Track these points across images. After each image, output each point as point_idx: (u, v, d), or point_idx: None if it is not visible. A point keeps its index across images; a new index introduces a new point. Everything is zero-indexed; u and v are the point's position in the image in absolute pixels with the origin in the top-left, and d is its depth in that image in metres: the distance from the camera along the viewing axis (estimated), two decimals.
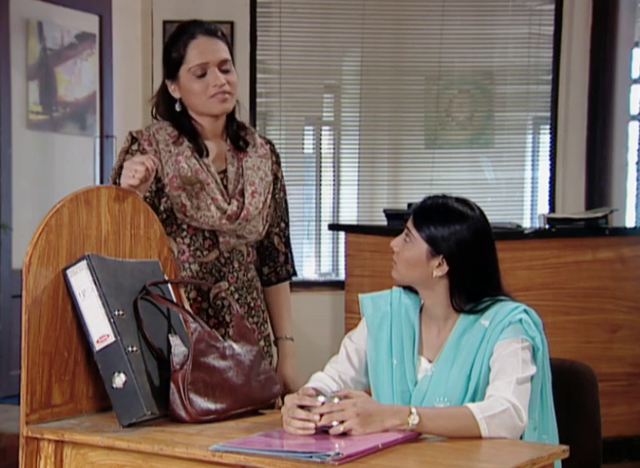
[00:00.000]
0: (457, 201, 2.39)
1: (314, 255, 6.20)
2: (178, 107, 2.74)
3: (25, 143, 5.39)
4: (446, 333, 2.37)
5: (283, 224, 2.92)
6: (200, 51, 2.68)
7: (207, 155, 2.73)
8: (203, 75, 2.68)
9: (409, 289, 2.47)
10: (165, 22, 5.87)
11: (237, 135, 2.80)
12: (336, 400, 2.09)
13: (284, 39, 6.03)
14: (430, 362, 2.38)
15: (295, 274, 2.97)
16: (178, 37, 2.73)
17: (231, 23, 5.87)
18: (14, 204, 5.31)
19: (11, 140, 5.30)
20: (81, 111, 5.76)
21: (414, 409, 2.09)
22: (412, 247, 2.36)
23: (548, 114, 6.24)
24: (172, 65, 2.73)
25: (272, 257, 2.91)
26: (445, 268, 2.34)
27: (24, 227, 5.07)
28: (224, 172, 2.76)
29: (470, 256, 2.34)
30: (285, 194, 2.93)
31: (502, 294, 2.38)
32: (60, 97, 5.64)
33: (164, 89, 2.77)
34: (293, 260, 2.97)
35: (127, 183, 2.42)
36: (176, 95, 2.74)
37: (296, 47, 6.06)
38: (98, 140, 5.82)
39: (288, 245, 2.95)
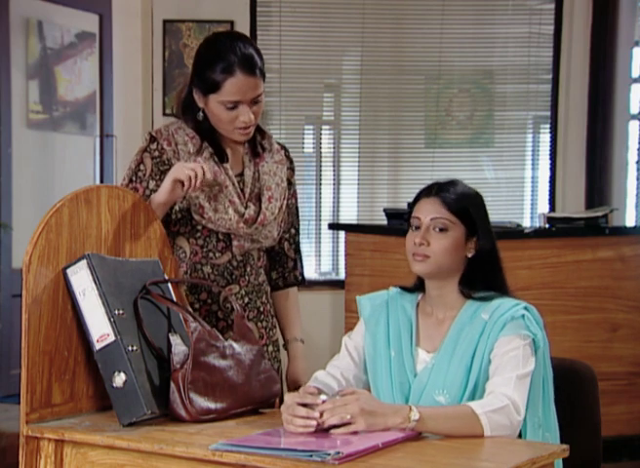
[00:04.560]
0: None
1: (314, 255, 6.20)
2: (200, 117, 2.68)
3: (25, 143, 5.39)
4: (446, 326, 2.38)
5: (293, 230, 2.91)
6: (236, 90, 2.61)
7: (227, 160, 2.71)
8: (234, 108, 2.63)
9: (406, 289, 2.49)
10: (165, 22, 5.88)
11: (255, 139, 2.78)
12: (338, 397, 2.10)
13: (284, 38, 6.03)
14: (429, 353, 2.39)
15: (303, 281, 2.94)
16: (216, 59, 2.62)
17: (231, 23, 5.88)
18: (14, 203, 5.31)
19: (11, 140, 5.29)
20: (81, 110, 5.75)
21: (414, 408, 2.10)
22: (447, 235, 2.37)
23: (548, 113, 6.24)
24: (204, 84, 2.65)
25: (281, 263, 2.90)
26: (473, 249, 2.39)
27: (24, 227, 5.07)
28: (241, 175, 2.74)
29: (492, 240, 2.41)
30: (296, 200, 2.91)
31: (507, 291, 2.41)
32: (61, 96, 5.64)
33: (190, 92, 2.70)
34: (302, 267, 2.94)
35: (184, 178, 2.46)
36: (199, 104, 2.68)
37: (296, 46, 6.06)
38: (98, 140, 5.81)
39: (298, 251, 2.93)
